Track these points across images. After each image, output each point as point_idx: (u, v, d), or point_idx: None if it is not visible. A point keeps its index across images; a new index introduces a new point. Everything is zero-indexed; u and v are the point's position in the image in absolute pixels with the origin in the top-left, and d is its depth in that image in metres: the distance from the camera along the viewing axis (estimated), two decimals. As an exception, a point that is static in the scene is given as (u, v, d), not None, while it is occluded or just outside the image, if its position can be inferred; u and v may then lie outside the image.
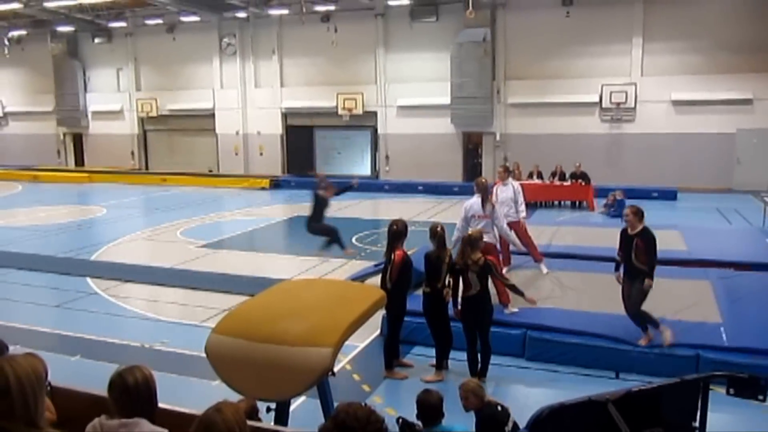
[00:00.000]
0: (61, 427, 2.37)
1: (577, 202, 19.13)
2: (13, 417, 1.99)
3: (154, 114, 29.06)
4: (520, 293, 7.15)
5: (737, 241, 12.50)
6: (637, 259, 6.88)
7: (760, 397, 3.17)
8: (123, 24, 28.52)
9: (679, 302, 8.13)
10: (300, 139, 27.14)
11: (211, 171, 28.41)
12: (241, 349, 3.94)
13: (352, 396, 4.56)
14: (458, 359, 6.87)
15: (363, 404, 2.29)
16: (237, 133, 27.89)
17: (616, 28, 22.04)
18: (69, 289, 10.67)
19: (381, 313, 7.18)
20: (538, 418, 3.36)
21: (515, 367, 7.19)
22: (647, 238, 6.86)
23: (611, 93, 21.93)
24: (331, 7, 24.57)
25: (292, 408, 4.57)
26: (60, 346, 7.95)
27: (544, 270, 9.73)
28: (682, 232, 12.53)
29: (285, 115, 27.34)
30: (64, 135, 31.86)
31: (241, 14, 26.19)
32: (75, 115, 30.59)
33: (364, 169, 26.36)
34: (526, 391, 6.70)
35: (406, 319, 7.16)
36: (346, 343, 4.32)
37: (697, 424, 3.32)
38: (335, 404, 2.65)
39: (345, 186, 13.05)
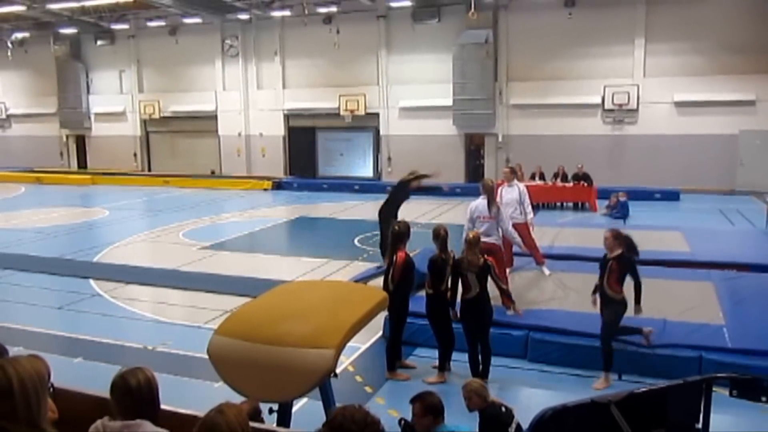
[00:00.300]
0: (63, 428, 2.37)
1: (580, 204, 19.11)
2: (16, 418, 1.99)
3: (156, 116, 29.12)
4: (511, 301, 7.19)
5: (740, 243, 12.48)
6: (609, 285, 6.56)
7: (763, 399, 3.16)
8: (126, 26, 28.59)
9: (682, 303, 8.12)
10: (302, 140, 27.15)
11: (213, 173, 28.45)
12: (243, 350, 3.95)
13: (354, 398, 4.56)
14: (461, 361, 6.86)
15: (357, 406, 2.28)
16: (239, 134, 27.92)
17: (618, 30, 22.03)
18: (71, 290, 10.68)
19: (383, 315, 7.18)
20: (540, 420, 3.35)
21: (517, 369, 7.17)
22: (623, 263, 6.51)
23: (613, 94, 21.93)
24: (333, 9, 24.59)
25: (294, 409, 4.58)
26: (62, 348, 7.95)
27: (547, 272, 9.72)
28: (685, 234, 12.51)
29: (287, 117, 27.37)
30: (67, 137, 31.93)
31: (244, 16, 26.23)
32: (78, 117, 30.67)
33: (366, 171, 26.38)
34: (529, 392, 6.69)
35: (408, 320, 7.16)
36: (349, 344, 4.33)
37: (700, 425, 3.31)
38: (337, 406, 2.65)
39: (433, 187, 12.45)
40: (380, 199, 10.98)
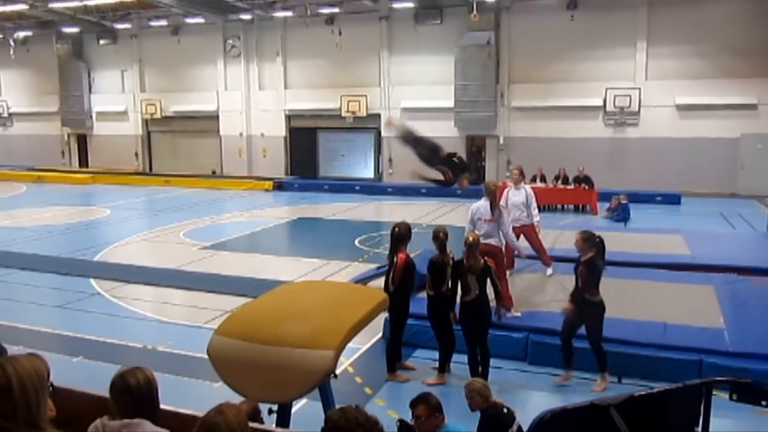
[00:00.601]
0: (63, 427, 2.37)
1: (581, 206, 19.09)
2: (15, 417, 1.99)
3: (158, 115, 29.12)
4: (509, 304, 7.20)
5: (741, 246, 12.46)
6: (587, 290, 6.47)
7: (763, 403, 3.16)
8: (128, 25, 28.62)
9: (683, 307, 8.11)
10: (303, 141, 27.16)
11: (214, 173, 28.44)
12: (243, 350, 3.95)
13: (354, 399, 4.56)
14: (461, 362, 6.86)
15: (354, 406, 2.28)
16: (241, 134, 27.93)
17: (620, 33, 22.02)
18: (72, 289, 10.69)
19: (383, 316, 7.18)
20: (540, 422, 3.36)
21: (517, 371, 7.17)
22: (590, 268, 6.42)
23: (615, 97, 21.92)
24: (336, 10, 24.60)
25: (293, 410, 4.57)
26: (62, 347, 7.96)
27: (549, 271, 9.71)
28: (686, 237, 12.49)
29: (289, 117, 27.37)
30: (69, 136, 31.95)
31: (246, 16, 26.25)
32: (79, 116, 30.69)
33: (367, 172, 26.39)
34: (529, 394, 6.67)
35: (408, 321, 7.16)
36: (349, 345, 4.33)
37: (699, 429, 3.31)
38: (336, 407, 2.65)
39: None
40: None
